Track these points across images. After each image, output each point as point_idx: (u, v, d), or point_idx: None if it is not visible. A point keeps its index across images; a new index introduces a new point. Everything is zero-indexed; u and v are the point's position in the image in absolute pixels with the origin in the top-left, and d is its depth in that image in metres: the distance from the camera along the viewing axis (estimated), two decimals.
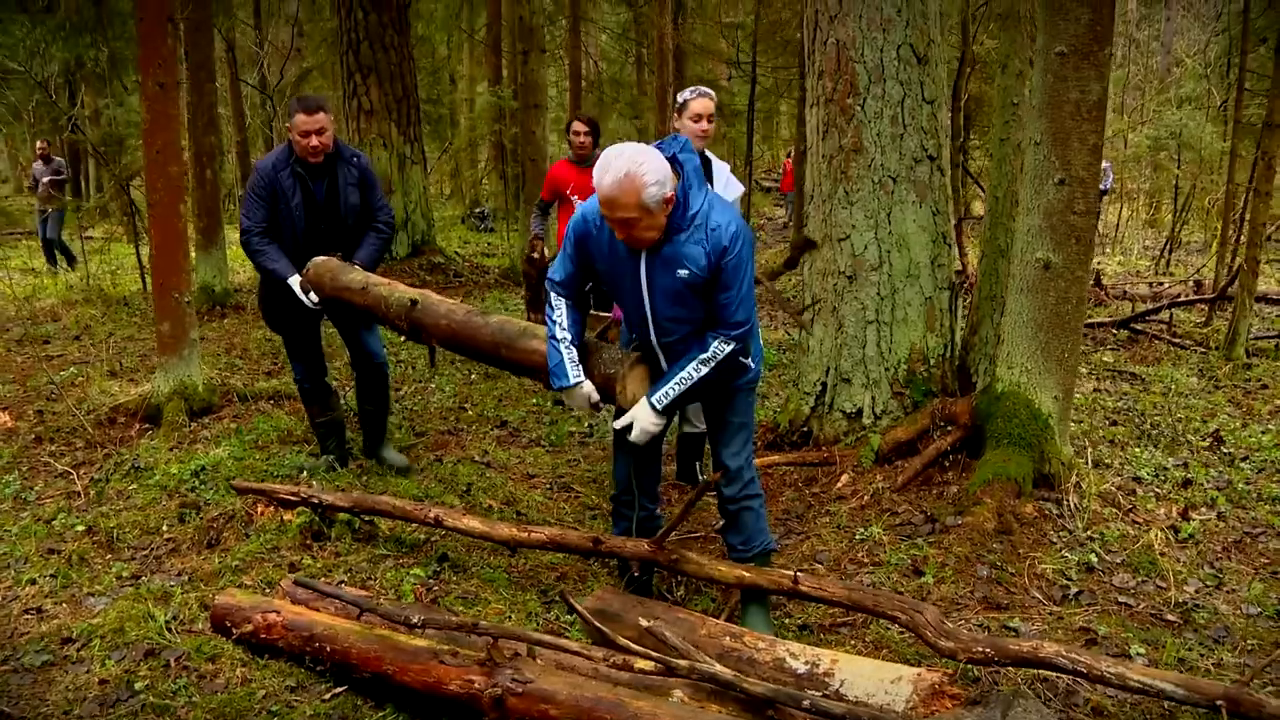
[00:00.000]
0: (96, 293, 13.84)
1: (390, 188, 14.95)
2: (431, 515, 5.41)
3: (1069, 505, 6.10)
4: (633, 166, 4.10)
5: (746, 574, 4.67)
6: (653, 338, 4.64)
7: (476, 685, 3.82)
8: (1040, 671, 4.28)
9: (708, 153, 6.15)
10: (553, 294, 4.75)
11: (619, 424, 4.64)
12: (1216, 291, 12.77)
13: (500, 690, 3.76)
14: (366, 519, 5.81)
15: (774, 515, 6.33)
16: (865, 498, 6.32)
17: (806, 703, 3.56)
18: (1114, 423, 8.17)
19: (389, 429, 7.28)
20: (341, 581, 5.18)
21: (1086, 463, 6.60)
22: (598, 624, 4.07)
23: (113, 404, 7.95)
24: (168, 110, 7.61)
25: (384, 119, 14.95)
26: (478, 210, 23.86)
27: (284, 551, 5.49)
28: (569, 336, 4.68)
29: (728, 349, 4.45)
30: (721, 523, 5.01)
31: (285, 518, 5.69)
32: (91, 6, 14.37)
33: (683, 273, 4.36)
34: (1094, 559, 5.71)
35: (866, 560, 5.70)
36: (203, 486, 6.23)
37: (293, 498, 5.72)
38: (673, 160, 4.30)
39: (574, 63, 22.76)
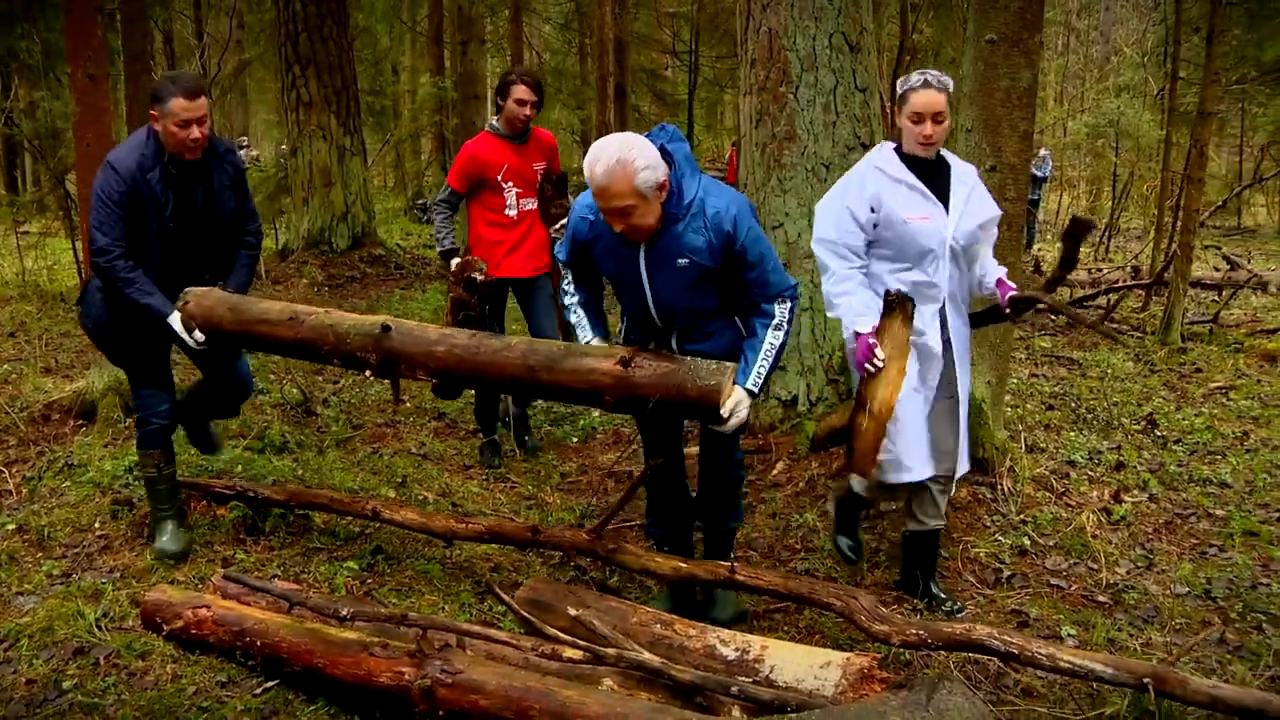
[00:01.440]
0: (33, 288, 13.67)
1: (330, 180, 14.86)
2: (369, 508, 5.41)
3: (1003, 489, 6.17)
4: (623, 153, 4.07)
5: (683, 565, 4.70)
6: (656, 323, 4.57)
7: (406, 677, 3.82)
8: (972, 655, 4.34)
9: (945, 153, 4.88)
10: (563, 268, 4.77)
11: (730, 426, 4.30)
12: (1153, 277, 12.91)
13: (430, 681, 3.76)
14: (301, 512, 5.80)
15: None
16: (800, 484, 6.36)
17: (734, 689, 3.58)
18: (1050, 407, 8.26)
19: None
20: (275, 576, 5.16)
21: (1021, 447, 6.67)
22: (525, 614, 4.08)
23: (47, 401, 7.84)
24: (98, 102, 7.52)
25: (323, 111, 14.82)
26: (420, 202, 23.75)
27: (217, 546, 5.47)
28: (577, 299, 4.75)
29: (788, 306, 4.40)
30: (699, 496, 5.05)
31: (219, 512, 5.66)
32: None
33: (682, 262, 4.31)
34: (1027, 542, 5.79)
35: (800, 547, 5.74)
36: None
37: (227, 491, 5.70)
38: (663, 150, 4.24)
39: (516, 53, 22.65)
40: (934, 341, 4.77)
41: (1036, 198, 23.11)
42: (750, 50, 6.64)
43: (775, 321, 4.37)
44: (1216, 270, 15.23)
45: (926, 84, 4.65)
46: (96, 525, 5.76)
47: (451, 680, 3.74)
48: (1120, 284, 13.46)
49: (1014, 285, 4.76)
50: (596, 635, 3.86)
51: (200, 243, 5.25)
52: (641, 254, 4.37)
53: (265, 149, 31.00)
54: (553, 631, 3.95)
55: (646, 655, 3.77)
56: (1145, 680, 3.78)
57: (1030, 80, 5.94)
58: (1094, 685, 4.09)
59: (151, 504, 5.53)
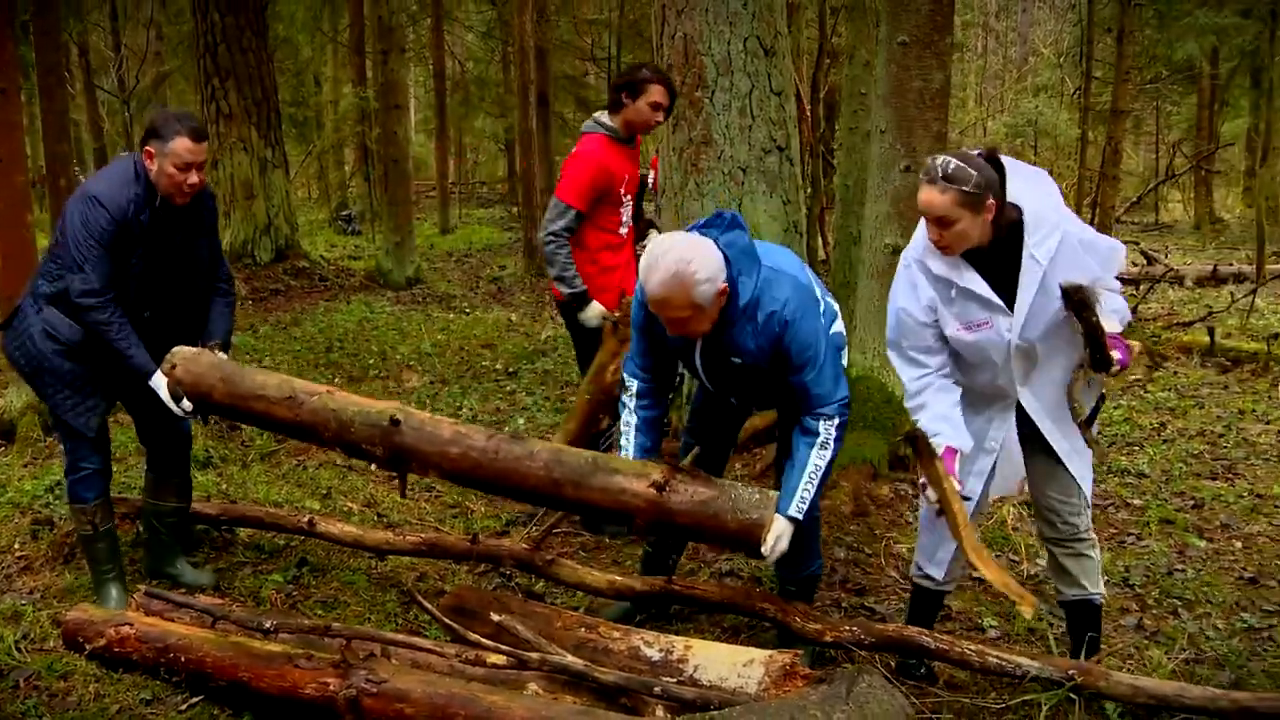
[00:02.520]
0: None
1: (252, 192, 14.77)
2: (304, 521, 5.39)
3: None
4: (681, 265, 3.81)
5: (618, 578, 4.75)
6: (732, 400, 4.48)
7: (331, 688, 3.82)
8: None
9: (1029, 212, 3.90)
10: (632, 381, 4.48)
11: (770, 560, 4.06)
12: None
13: (355, 691, 3.76)
14: (227, 526, 5.77)
15: None
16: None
17: (658, 689, 3.62)
18: None
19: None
20: (199, 590, 5.12)
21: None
22: (449, 621, 4.09)
23: None
24: (9, 117, 7.45)
25: (244, 123, 14.74)
26: (344, 213, 23.63)
27: (140, 564, 5.41)
28: (640, 422, 4.44)
29: (834, 424, 4.08)
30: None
31: (141, 528, 5.60)
32: None
33: (736, 360, 4.14)
34: None
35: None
36: (57, 502, 6.10)
37: None
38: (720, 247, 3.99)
39: (438, 62, 22.63)
40: (992, 442, 4.22)
41: None
42: (666, 55, 6.69)
43: (820, 440, 4.07)
44: (1134, 265, 15.47)
45: (929, 177, 3.82)
46: (16, 546, 5.71)
47: (377, 690, 3.75)
48: None
49: (1120, 339, 3.87)
50: (520, 640, 3.88)
51: (168, 289, 4.92)
52: (698, 346, 4.21)
53: None
54: (475, 638, 3.97)
55: (570, 659, 3.80)
56: (1070, 674, 3.93)
57: (942, 81, 6.05)
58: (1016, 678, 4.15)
59: (90, 566, 5.11)
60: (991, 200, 3.76)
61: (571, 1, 23.27)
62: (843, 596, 5.25)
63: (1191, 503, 6.49)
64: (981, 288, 3.91)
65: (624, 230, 6.10)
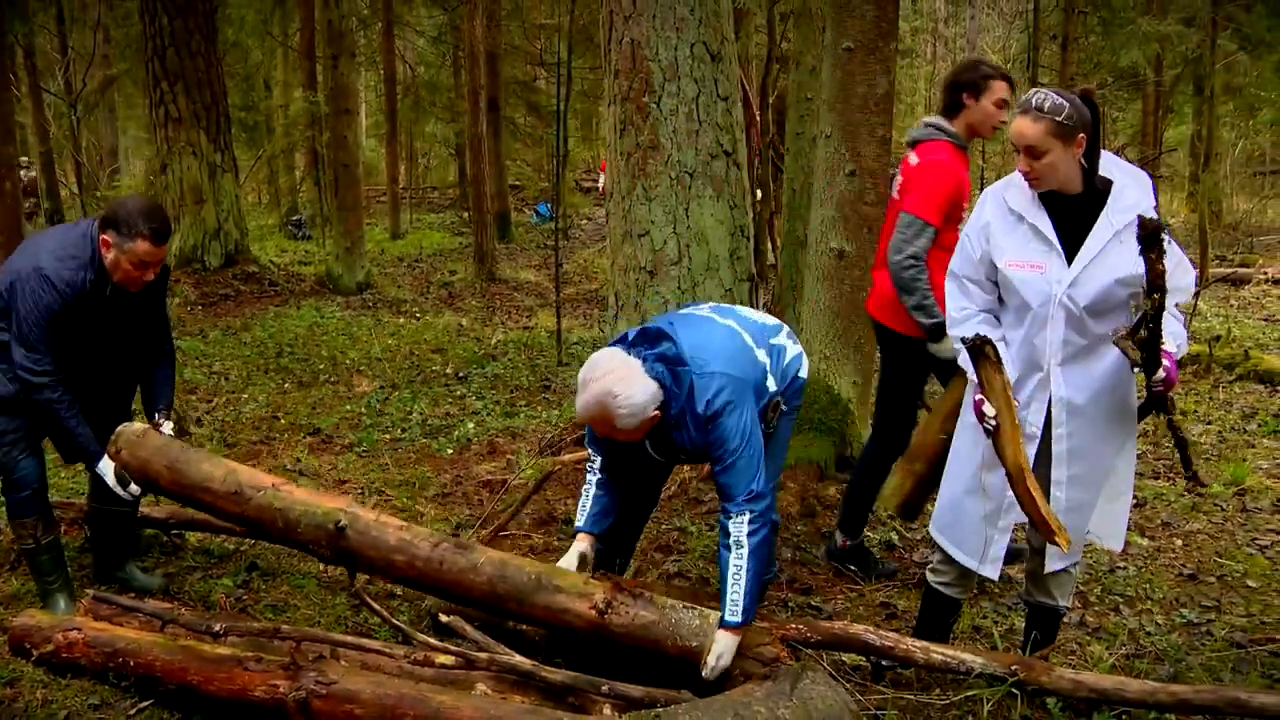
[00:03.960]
0: None
1: (201, 197, 14.71)
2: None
3: None
4: (607, 399, 3.91)
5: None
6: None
7: (281, 690, 3.83)
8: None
9: (1120, 174, 3.94)
10: (588, 447, 4.53)
11: (712, 676, 3.91)
12: None
13: (305, 693, 3.77)
14: (176, 531, 5.77)
15: None
16: (673, 488, 6.44)
17: (605, 688, 3.67)
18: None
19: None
20: (149, 594, 5.11)
21: None
22: (397, 623, 4.11)
23: None
24: None
25: (193, 127, 14.67)
26: (294, 218, 23.56)
27: (89, 569, 5.39)
28: (599, 484, 4.47)
29: (744, 523, 3.97)
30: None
31: (89, 534, 5.59)
32: None
33: (682, 455, 4.29)
34: (894, 537, 5.96)
35: (673, 547, 5.83)
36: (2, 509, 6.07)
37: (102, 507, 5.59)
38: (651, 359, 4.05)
39: (389, 67, 22.62)
40: (1035, 427, 4.03)
41: None
42: (614, 61, 6.73)
43: (733, 539, 3.98)
44: None
45: (1023, 109, 3.82)
46: None
47: (326, 691, 3.76)
48: None
49: (1173, 357, 3.77)
50: (468, 640, 3.90)
51: (120, 357, 4.96)
52: (647, 442, 4.24)
53: (135, 166, 30.45)
54: (424, 638, 4.00)
55: (518, 659, 3.84)
56: (1014, 669, 3.98)
57: (887, 86, 6.12)
58: (961, 676, 4.21)
59: (36, 578, 5.06)
60: (1082, 135, 3.77)
61: (522, 7, 23.31)
62: (790, 596, 5.30)
63: (1136, 502, 6.59)
64: (1047, 228, 3.89)
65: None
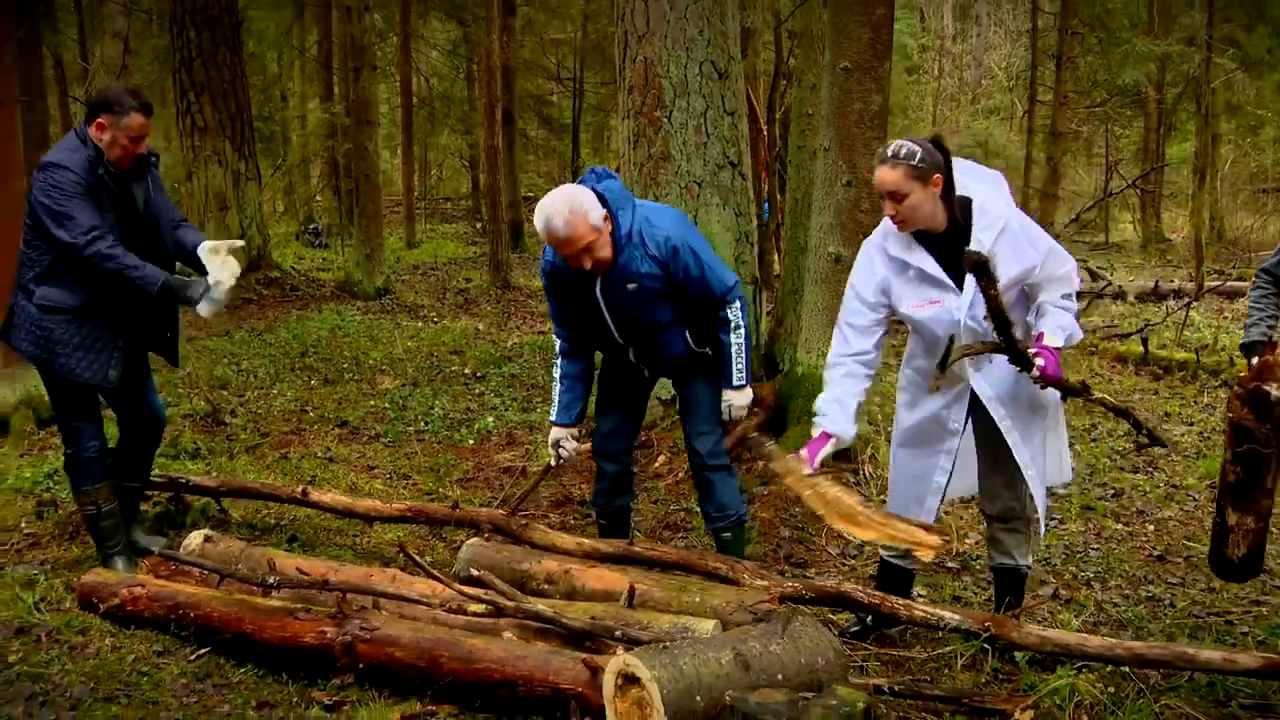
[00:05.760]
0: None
1: (226, 204, 15.14)
2: (298, 491, 5.90)
3: (864, 474, 6.77)
4: (572, 204, 4.61)
5: (585, 541, 5.27)
6: (631, 356, 5.16)
7: (329, 635, 4.28)
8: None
9: (978, 204, 4.34)
10: (557, 341, 5.27)
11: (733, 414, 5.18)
12: None
13: (350, 638, 4.23)
14: (220, 509, 6.21)
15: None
16: (680, 474, 6.89)
17: (618, 633, 4.10)
18: None
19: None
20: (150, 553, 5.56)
21: (881, 436, 7.26)
22: (435, 574, 4.54)
23: None
24: (7, 127, 7.86)
25: (218, 136, 15.10)
26: (312, 226, 23.88)
27: (143, 542, 5.83)
28: (564, 375, 5.26)
29: (736, 307, 5.01)
30: (698, 494, 5.48)
31: (143, 508, 6.03)
32: None
33: (631, 286, 4.85)
34: None
35: (680, 528, 6.27)
36: (57, 487, 6.51)
37: (159, 480, 6.10)
38: (596, 193, 4.77)
39: (405, 79, 23.02)
40: (954, 423, 4.59)
41: None
42: (628, 78, 7.19)
43: (731, 325, 5.02)
44: (1080, 281, 16.11)
45: (881, 159, 4.31)
46: (23, 525, 6.13)
47: (370, 636, 4.22)
48: None
49: (1052, 349, 4.21)
50: (497, 590, 4.35)
51: (145, 245, 5.26)
52: (597, 284, 4.88)
53: None
54: (459, 587, 4.44)
55: (541, 606, 4.28)
56: (986, 625, 4.40)
57: (881, 103, 6.57)
58: (939, 633, 4.63)
59: (97, 543, 5.51)
60: (937, 175, 4.19)
61: (536, 22, 23.73)
62: (787, 569, 5.73)
63: (1112, 492, 7.03)
64: (933, 267, 4.33)
65: None
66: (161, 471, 6.30)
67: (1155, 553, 6.06)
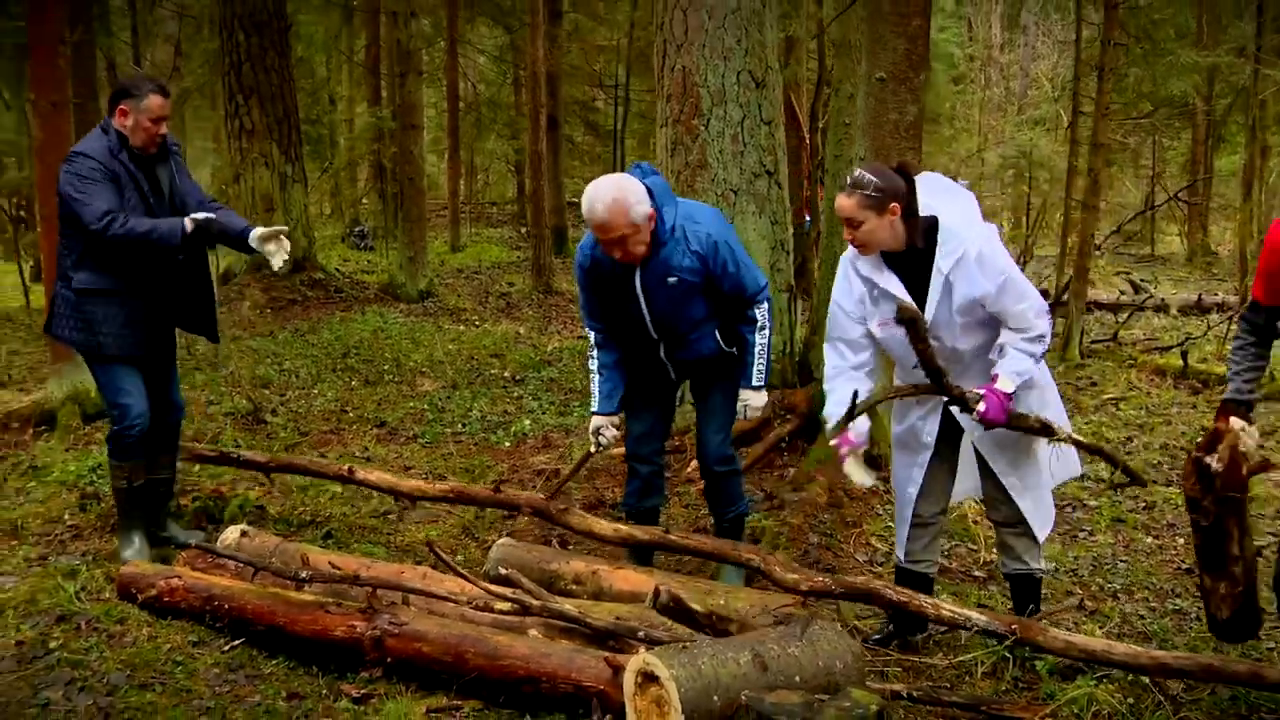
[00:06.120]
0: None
1: (272, 206, 15.29)
2: (344, 469, 6.07)
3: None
4: (618, 192, 4.76)
5: (622, 526, 5.38)
6: (661, 353, 5.31)
7: (359, 629, 4.38)
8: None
9: (945, 224, 4.41)
10: (591, 333, 5.39)
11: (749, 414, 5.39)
12: (1053, 299, 13.69)
13: (379, 632, 4.33)
14: (257, 501, 6.34)
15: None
16: (704, 487, 6.93)
17: (641, 633, 4.17)
18: None
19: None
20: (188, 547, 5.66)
21: None
22: (462, 572, 4.63)
23: (6, 411, 8.31)
24: (61, 127, 8.01)
25: (265, 139, 15.25)
26: (358, 229, 24.06)
27: (180, 537, 5.95)
28: (601, 365, 5.37)
29: (764, 308, 5.22)
30: (705, 489, 5.72)
31: (182, 503, 6.16)
32: None
33: (672, 280, 5.01)
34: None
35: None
36: (101, 480, 6.65)
37: (210, 453, 6.39)
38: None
39: (451, 84, 23.20)
40: (928, 436, 4.73)
41: None
42: (666, 86, 7.27)
43: (758, 325, 5.23)
44: (1122, 294, 16.06)
45: (840, 186, 4.48)
46: (66, 517, 6.28)
47: (398, 631, 4.32)
48: None
49: (1002, 392, 4.33)
50: (524, 588, 4.43)
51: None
52: (637, 276, 5.04)
53: (202, 176, 31.25)
54: (486, 585, 4.52)
55: (567, 606, 4.36)
56: (1012, 628, 4.41)
57: (916, 114, 6.61)
58: (964, 639, 4.68)
59: (120, 514, 5.74)
60: (894, 204, 4.31)
61: (582, 29, 23.84)
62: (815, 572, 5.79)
63: (1144, 505, 7.03)
64: (897, 288, 4.44)
65: None
66: (207, 472, 6.60)
67: (1184, 566, 6.06)
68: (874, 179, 4.33)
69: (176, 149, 5.68)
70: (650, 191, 4.91)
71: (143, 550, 5.62)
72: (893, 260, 4.47)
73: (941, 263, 4.37)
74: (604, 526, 5.37)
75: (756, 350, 5.23)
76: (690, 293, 5.07)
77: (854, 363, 4.68)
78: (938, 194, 4.51)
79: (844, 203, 4.37)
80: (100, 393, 5.78)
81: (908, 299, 4.39)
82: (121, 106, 5.33)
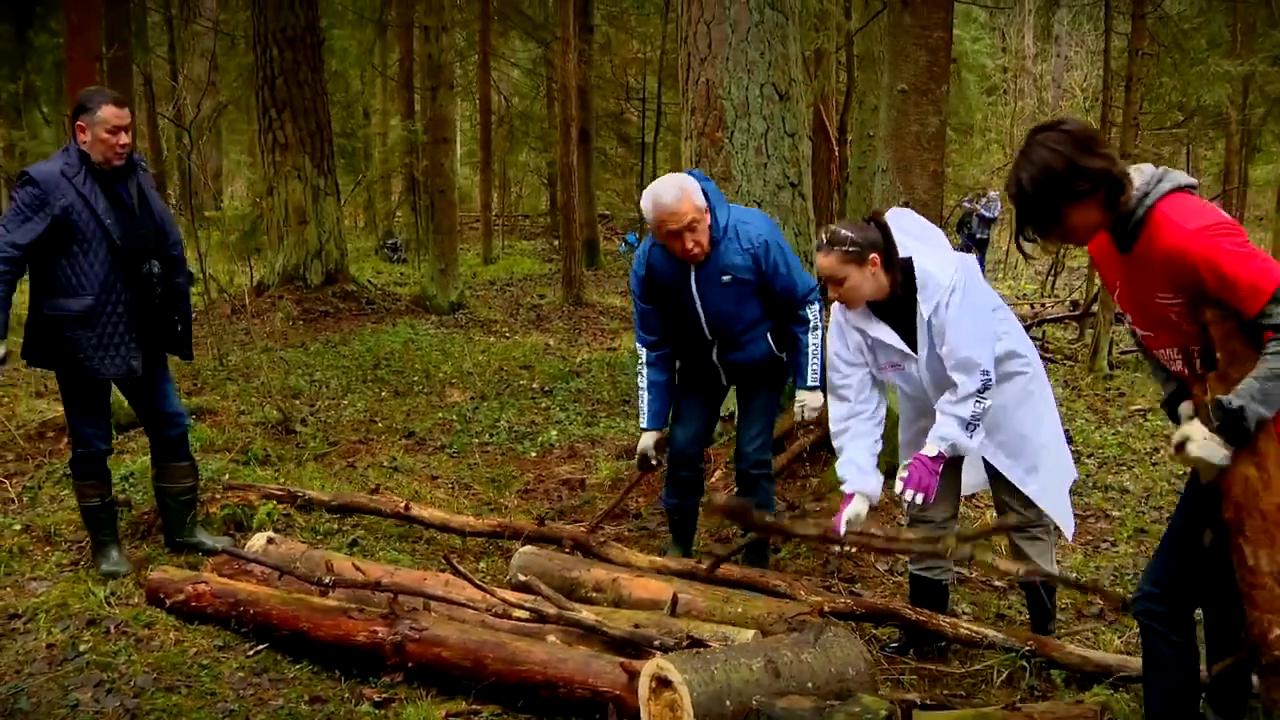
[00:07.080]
0: (17, 320, 14.18)
1: (305, 218, 15.44)
2: (402, 506, 6.29)
3: None
4: (683, 181, 5.06)
5: (658, 560, 5.50)
6: (714, 355, 5.44)
7: (380, 635, 4.46)
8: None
9: (921, 268, 4.51)
10: (643, 350, 5.58)
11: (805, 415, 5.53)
12: (1082, 309, 13.69)
13: (400, 637, 4.41)
14: (284, 512, 6.43)
15: (653, 505, 6.98)
16: (736, 489, 6.98)
17: (657, 642, 4.23)
18: None
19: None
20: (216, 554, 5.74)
21: None
22: (475, 581, 4.70)
23: (41, 420, 8.43)
24: None
25: (299, 152, 15.39)
26: (391, 241, 24.24)
27: (209, 542, 6.04)
28: (651, 383, 5.59)
29: (815, 308, 5.38)
30: (738, 491, 5.82)
31: (210, 510, 6.25)
32: (13, 41, 14.75)
33: (726, 278, 5.19)
34: None
35: (733, 540, 6.37)
36: (132, 489, 6.74)
37: (278, 492, 6.55)
38: None
39: (484, 97, 23.38)
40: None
41: (985, 237, 24.02)
42: (690, 99, 7.34)
43: (811, 325, 5.38)
44: None
45: (819, 246, 4.51)
46: None
47: (419, 636, 4.39)
48: (1052, 316, 14.24)
49: (928, 458, 4.48)
50: (542, 595, 4.49)
51: (148, 243, 5.51)
52: (693, 277, 5.20)
53: (237, 188, 31.53)
54: (503, 594, 4.59)
55: (584, 614, 4.42)
56: (1029, 644, 4.50)
57: (938, 126, 6.66)
58: (981, 651, 4.72)
59: (92, 532, 5.77)
60: (874, 255, 4.41)
61: (615, 41, 23.97)
62: (835, 585, 5.82)
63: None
64: (889, 336, 4.57)
65: None
66: (239, 480, 6.81)
67: None
68: (850, 234, 4.43)
69: (143, 164, 5.63)
70: (704, 193, 5.10)
71: (120, 562, 5.67)
72: (880, 309, 4.59)
73: (923, 308, 4.48)
74: (640, 559, 5.51)
75: (810, 350, 5.37)
76: (744, 292, 5.23)
77: (854, 412, 4.74)
78: (909, 235, 4.60)
79: (824, 261, 4.44)
80: (65, 414, 5.76)
81: (901, 345, 4.56)
82: (79, 123, 5.27)
